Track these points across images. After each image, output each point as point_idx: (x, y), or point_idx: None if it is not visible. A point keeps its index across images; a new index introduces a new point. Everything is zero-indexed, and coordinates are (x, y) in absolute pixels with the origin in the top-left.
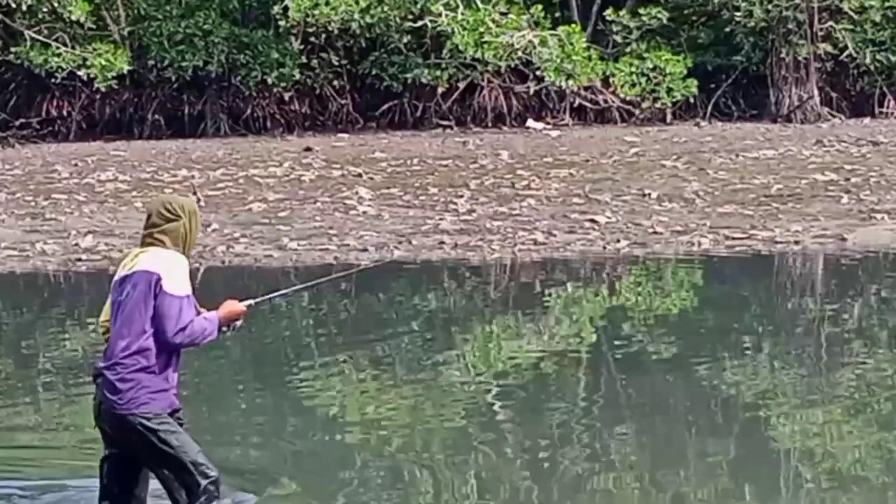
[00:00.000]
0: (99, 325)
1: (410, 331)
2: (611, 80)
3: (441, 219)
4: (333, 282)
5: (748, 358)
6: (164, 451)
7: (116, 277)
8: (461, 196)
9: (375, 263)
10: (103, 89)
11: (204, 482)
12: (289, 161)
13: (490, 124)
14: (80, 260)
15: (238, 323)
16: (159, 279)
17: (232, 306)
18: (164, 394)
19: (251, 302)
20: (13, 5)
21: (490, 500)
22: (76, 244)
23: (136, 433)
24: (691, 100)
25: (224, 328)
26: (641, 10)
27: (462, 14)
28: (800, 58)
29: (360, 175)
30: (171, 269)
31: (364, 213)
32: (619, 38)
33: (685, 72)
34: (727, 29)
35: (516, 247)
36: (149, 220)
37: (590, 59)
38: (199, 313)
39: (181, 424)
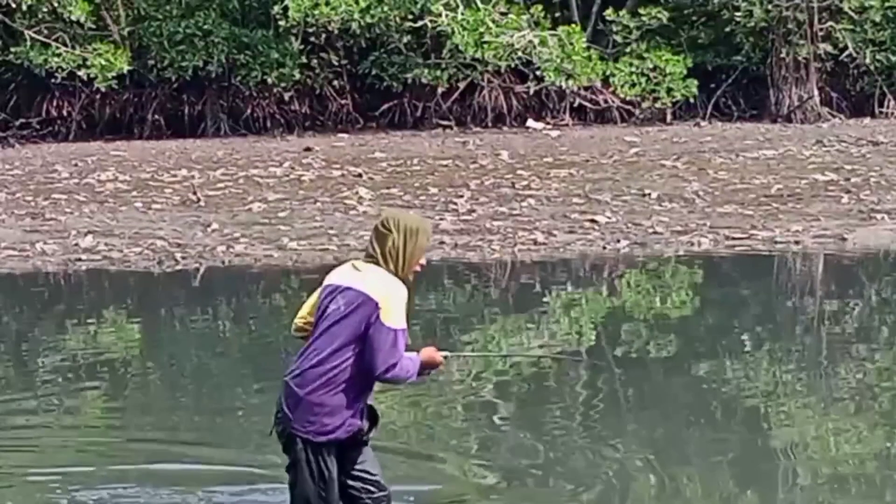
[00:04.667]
0: (296, 319)
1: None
2: (611, 80)
3: (441, 219)
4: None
5: (748, 358)
6: (299, 479)
7: (333, 282)
8: (461, 196)
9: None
10: (103, 89)
11: None
12: (289, 161)
13: (490, 124)
14: (80, 260)
15: (433, 371)
16: (377, 307)
17: (433, 353)
18: (343, 426)
19: (448, 354)
20: (13, 5)
21: (490, 499)
22: (76, 244)
23: (296, 447)
24: (691, 100)
25: (423, 372)
26: (641, 10)
27: (462, 14)
28: (800, 58)
29: (360, 175)
30: (391, 297)
31: (364, 213)
32: (619, 38)
33: (685, 72)
34: (727, 29)
35: (516, 247)
36: (374, 231)
37: (590, 59)
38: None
39: (365, 443)
